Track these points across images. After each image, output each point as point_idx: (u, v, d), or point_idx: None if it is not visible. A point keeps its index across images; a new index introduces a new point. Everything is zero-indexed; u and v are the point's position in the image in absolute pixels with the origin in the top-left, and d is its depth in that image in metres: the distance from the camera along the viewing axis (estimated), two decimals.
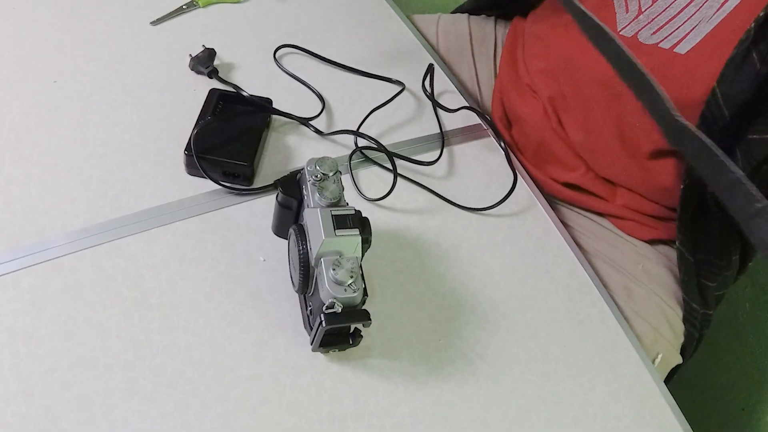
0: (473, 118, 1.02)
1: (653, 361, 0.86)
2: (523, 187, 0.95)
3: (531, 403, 0.75)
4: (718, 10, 0.75)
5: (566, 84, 0.91)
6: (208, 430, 0.66)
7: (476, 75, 1.11)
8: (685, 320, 0.93)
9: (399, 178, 0.89)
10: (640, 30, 0.82)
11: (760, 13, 0.69)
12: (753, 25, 0.70)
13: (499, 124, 1.03)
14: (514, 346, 0.79)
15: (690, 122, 0.77)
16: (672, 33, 0.79)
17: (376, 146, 0.91)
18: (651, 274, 0.94)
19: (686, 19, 0.78)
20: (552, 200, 0.98)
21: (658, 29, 0.80)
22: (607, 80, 0.85)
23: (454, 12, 1.22)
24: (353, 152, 0.91)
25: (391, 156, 0.90)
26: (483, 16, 1.18)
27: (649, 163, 0.87)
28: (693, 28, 0.77)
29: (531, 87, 0.98)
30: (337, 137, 0.93)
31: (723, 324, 1.29)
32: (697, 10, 0.77)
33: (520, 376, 0.77)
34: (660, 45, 0.80)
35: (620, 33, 0.84)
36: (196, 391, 0.68)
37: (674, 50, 0.78)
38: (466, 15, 1.18)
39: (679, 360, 0.94)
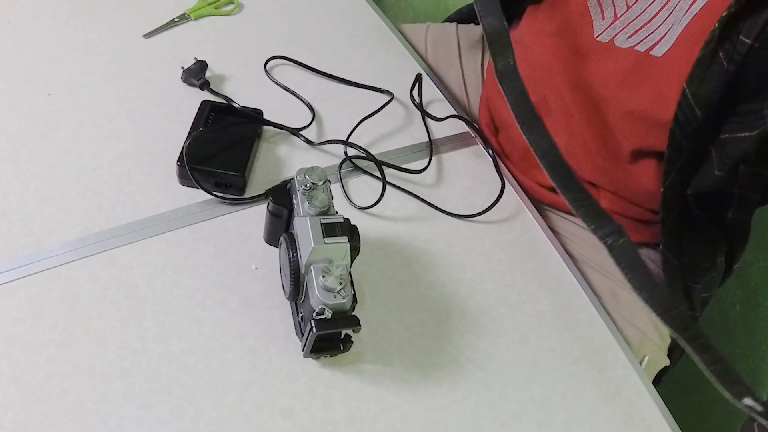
0: (461, 126, 1.03)
1: (640, 364, 0.87)
2: (511, 193, 0.96)
3: (521, 406, 0.76)
4: (686, 12, 0.76)
5: (548, 89, 0.92)
6: None
7: (464, 83, 1.12)
8: None
9: (388, 186, 0.90)
10: (616, 35, 0.83)
11: (723, 13, 0.70)
12: (717, 25, 0.71)
13: (486, 130, 1.04)
14: (503, 350, 0.80)
15: (665, 123, 0.79)
16: (647, 36, 0.80)
17: (365, 155, 0.93)
18: None
19: (660, 22, 0.79)
20: (539, 205, 1.00)
21: (634, 33, 0.82)
22: (585, 85, 0.86)
23: (443, 22, 1.23)
24: (343, 161, 0.92)
25: (380, 165, 0.91)
26: (471, 24, 1.19)
27: (630, 167, 0.88)
28: (667, 31, 0.78)
29: None
30: (327, 147, 0.94)
31: (714, 326, 1.30)
32: (670, 14, 0.78)
33: (510, 380, 0.78)
34: (636, 48, 0.81)
35: (597, 39, 0.85)
36: (191, 397, 0.69)
37: (650, 53, 0.80)
38: (454, 24, 1.19)
39: (666, 362, 0.95)
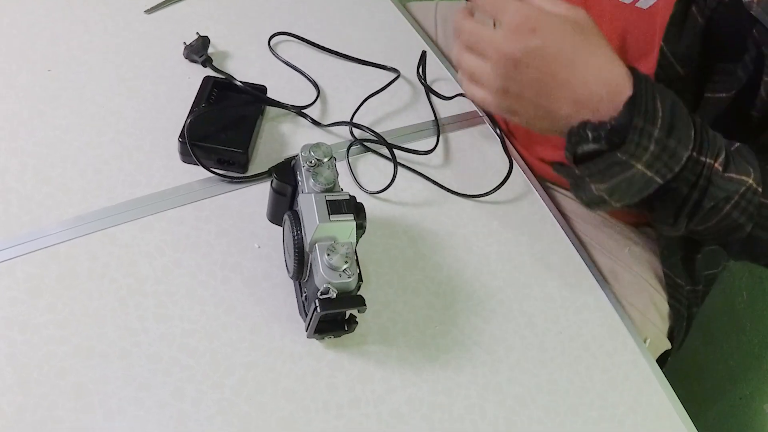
0: (469, 105, 1.02)
1: None
2: (519, 173, 0.95)
3: (528, 390, 0.75)
4: None
5: None
6: (203, 417, 0.66)
7: None
8: (671, 297, 0.92)
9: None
10: None
11: None
12: None
13: None
14: (510, 333, 0.79)
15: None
16: None
17: (374, 137, 0.91)
18: (637, 257, 0.93)
19: None
20: (544, 184, 0.98)
21: None
22: None
23: None
24: (351, 144, 0.90)
25: (391, 148, 0.90)
26: None
27: None
28: None
29: None
30: (332, 126, 0.93)
31: (721, 313, 1.29)
32: None
33: (517, 363, 0.77)
34: (622, 0, 0.79)
35: None
36: (192, 378, 0.68)
37: (636, 5, 0.77)
38: (464, 1, 1.17)
39: (667, 345, 0.94)
